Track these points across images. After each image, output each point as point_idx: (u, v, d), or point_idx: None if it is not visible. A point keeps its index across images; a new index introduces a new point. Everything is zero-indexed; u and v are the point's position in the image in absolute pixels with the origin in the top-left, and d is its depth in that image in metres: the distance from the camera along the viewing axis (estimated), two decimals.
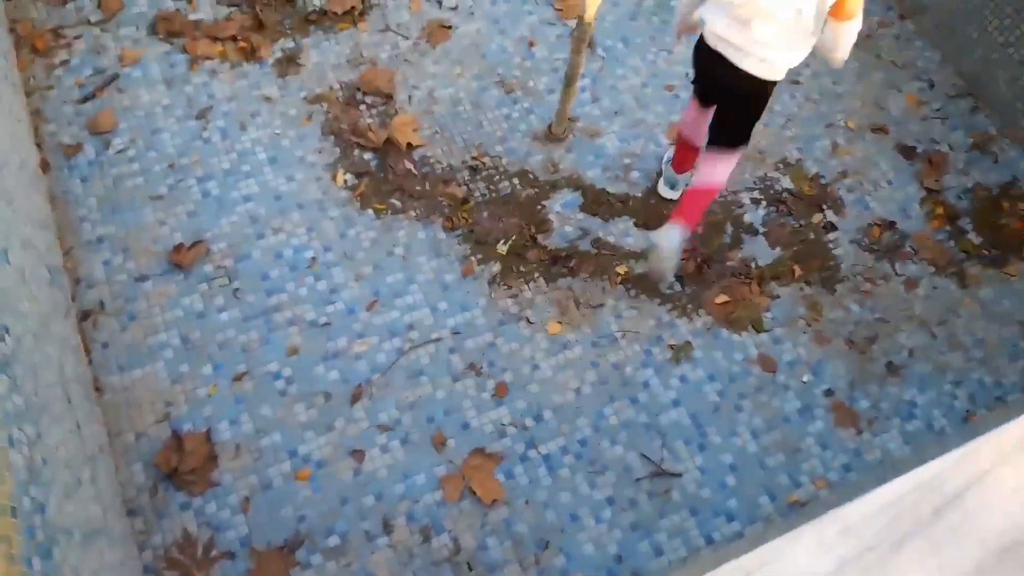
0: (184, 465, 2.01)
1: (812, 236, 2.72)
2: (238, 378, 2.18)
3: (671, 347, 2.43)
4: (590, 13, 2.23)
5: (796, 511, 2.20)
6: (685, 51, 3.05)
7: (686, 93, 2.96)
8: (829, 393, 2.41)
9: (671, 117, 2.90)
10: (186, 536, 1.93)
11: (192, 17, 2.80)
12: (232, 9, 2.85)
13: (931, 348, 2.53)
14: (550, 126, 2.78)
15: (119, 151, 2.50)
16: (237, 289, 2.33)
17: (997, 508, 1.54)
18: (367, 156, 2.65)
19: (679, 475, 2.21)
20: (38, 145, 2.45)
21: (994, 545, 1.49)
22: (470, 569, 2.00)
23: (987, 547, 1.51)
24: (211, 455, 2.04)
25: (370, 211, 2.54)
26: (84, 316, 2.20)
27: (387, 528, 2.04)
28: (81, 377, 2.00)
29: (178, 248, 2.35)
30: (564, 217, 2.63)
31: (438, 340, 2.34)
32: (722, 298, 2.54)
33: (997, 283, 2.68)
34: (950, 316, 2.60)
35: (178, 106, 2.62)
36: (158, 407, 2.11)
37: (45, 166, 2.41)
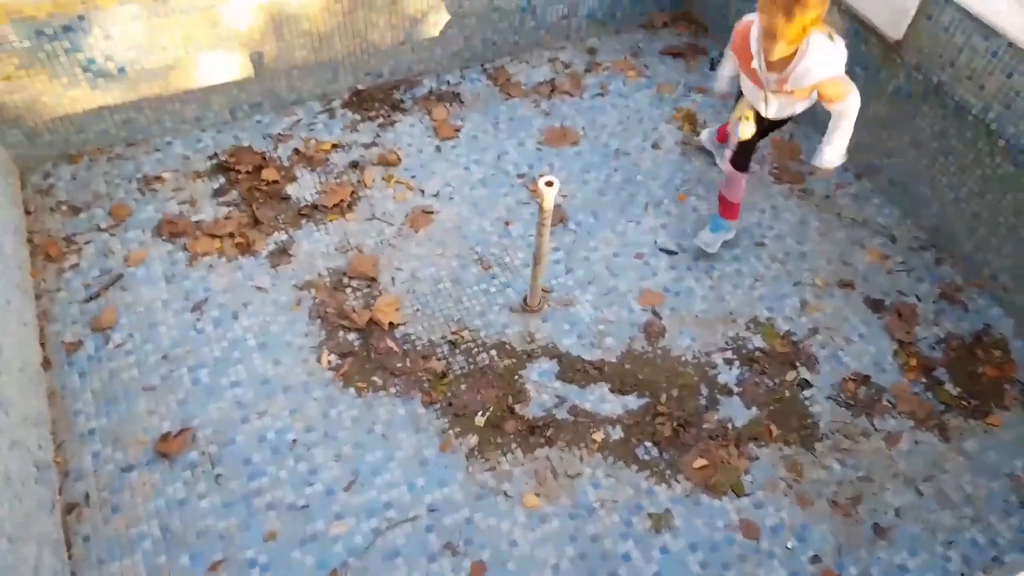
0: None
1: (787, 394, 2.75)
2: (214, 567, 2.20)
3: (650, 516, 2.41)
4: (547, 201, 2.42)
5: None
6: (652, 220, 3.25)
7: (655, 260, 3.12)
8: (816, 560, 2.35)
9: (642, 283, 3.04)
10: None
11: (194, 218, 3.07)
12: (231, 208, 3.13)
13: (919, 507, 2.48)
14: (525, 298, 2.93)
15: (117, 345, 2.67)
16: (219, 475, 2.40)
17: None
18: (351, 337, 2.79)
19: None
20: (42, 344, 2.64)
21: None
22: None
23: None
24: None
25: (352, 390, 2.64)
26: (69, 509, 2.27)
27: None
28: (57, 573, 2.03)
29: (165, 437, 2.45)
30: (541, 386, 2.72)
31: (415, 519, 2.35)
32: (700, 462, 2.55)
33: (980, 434, 2.67)
34: (935, 471, 2.57)
35: (176, 300, 2.82)
36: None
37: (47, 364, 2.58)
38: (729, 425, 2.65)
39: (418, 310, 2.90)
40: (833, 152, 2.62)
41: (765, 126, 2.79)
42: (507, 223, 3.21)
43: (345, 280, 2.96)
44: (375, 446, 2.51)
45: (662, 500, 2.46)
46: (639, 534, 2.38)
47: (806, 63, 2.38)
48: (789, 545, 2.38)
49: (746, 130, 2.76)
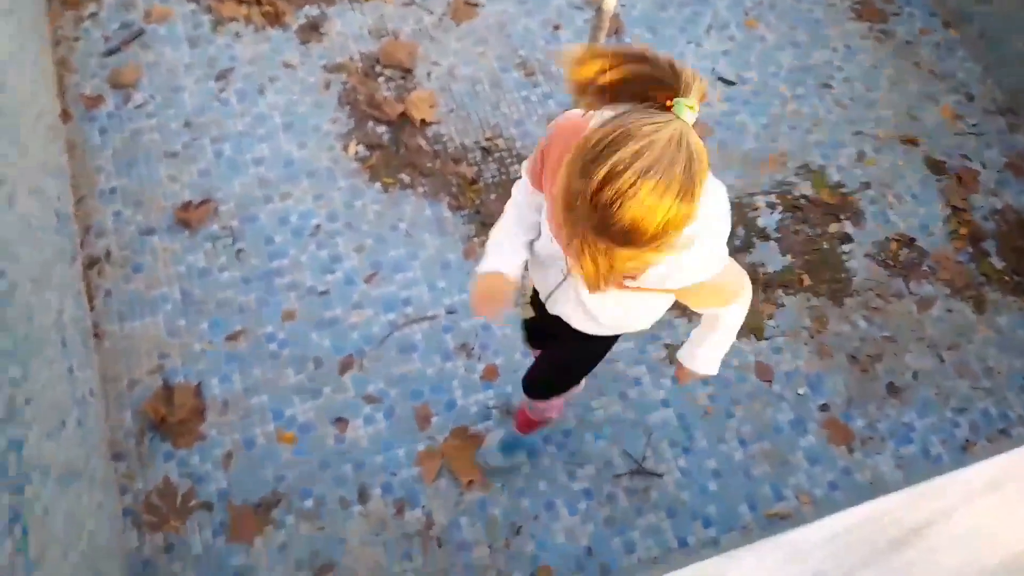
0: (172, 416, 2.06)
1: (826, 246, 2.66)
2: (233, 337, 2.22)
3: (667, 346, 2.40)
4: (609, 2, 2.19)
5: (776, 523, 2.18)
6: (714, 44, 2.99)
7: (710, 88, 2.91)
8: (824, 408, 2.37)
9: None
10: (167, 484, 1.99)
11: None
12: None
13: (937, 372, 2.46)
14: (566, 112, 2.75)
15: (138, 106, 2.54)
16: (240, 250, 2.36)
17: (957, 548, 1.50)
18: (380, 129, 2.65)
19: (660, 475, 2.20)
20: (61, 96, 2.51)
21: None
22: (439, 545, 2.03)
23: None
24: (199, 409, 2.09)
25: (378, 184, 2.55)
26: (91, 264, 2.25)
27: (363, 497, 2.07)
28: (80, 322, 2.05)
29: (186, 206, 2.39)
30: None
31: (433, 318, 2.35)
32: None
33: (1016, 311, 2.60)
34: (961, 341, 2.53)
35: (199, 65, 2.65)
36: (153, 358, 2.16)
37: (66, 116, 2.47)
38: (761, 270, 2.58)
39: (452, 110, 2.73)
40: (709, 358, 1.59)
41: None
42: (556, 27, 2.95)
43: (378, 68, 2.77)
44: (398, 243, 2.45)
45: (680, 333, 2.43)
46: (652, 362, 2.37)
47: (669, 268, 1.17)
48: (800, 391, 2.39)
49: (525, 311, 1.82)
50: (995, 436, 2.37)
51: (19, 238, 1.77)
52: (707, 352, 1.57)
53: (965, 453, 2.34)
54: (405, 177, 2.58)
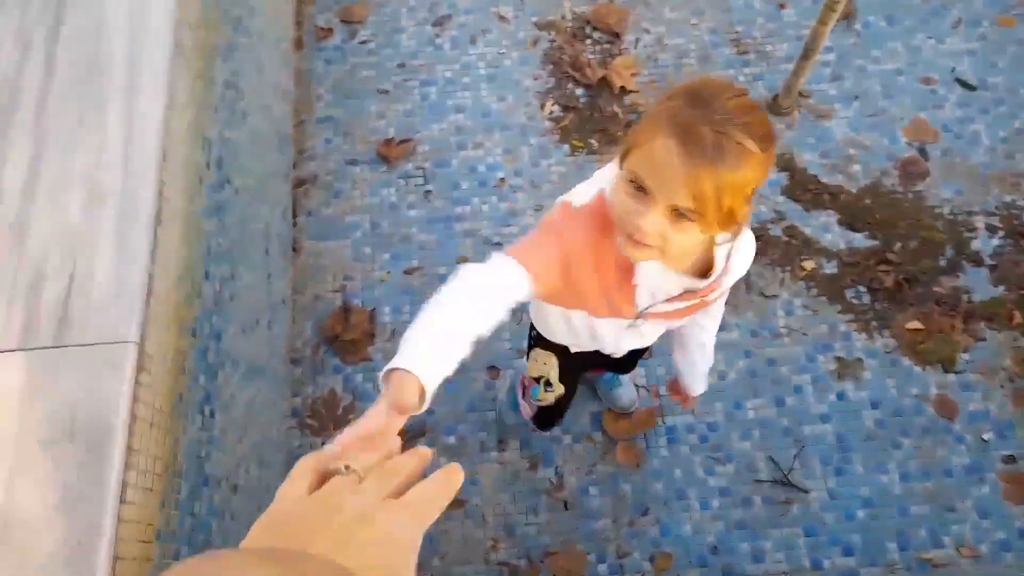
0: (346, 335, 2.24)
1: None
2: (409, 272, 2.36)
3: (838, 359, 2.26)
4: None
5: (926, 570, 2.01)
6: (960, 42, 2.69)
7: (946, 90, 2.62)
8: (1010, 460, 2.13)
9: (919, 114, 2.59)
10: (332, 396, 2.18)
11: None
12: None
13: None
14: (776, 96, 2.60)
15: (362, 42, 2.72)
16: (429, 191, 2.48)
17: None
18: (579, 92, 2.65)
19: (806, 491, 2.09)
20: (299, 23, 2.73)
21: None
22: (566, 508, 2.07)
23: None
24: (370, 332, 2.26)
25: (567, 146, 2.56)
26: (299, 183, 2.47)
27: (501, 445, 2.15)
28: (283, 236, 2.27)
29: (388, 142, 2.54)
30: (762, 196, 2.49)
31: None
32: (914, 324, 2.30)
33: None
34: None
35: (421, 9, 2.77)
36: (338, 278, 2.35)
37: (299, 44, 2.69)
38: (965, 297, 2.33)
39: (654, 81, 2.67)
40: (706, 379, 1.68)
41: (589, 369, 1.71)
42: (781, 5, 2.78)
43: (587, 29, 2.76)
44: None
45: (857, 348, 2.27)
46: (819, 373, 2.24)
47: (744, 254, 1.22)
48: (985, 437, 2.16)
49: (549, 395, 1.68)
50: None
51: (246, 150, 1.97)
52: (705, 373, 1.64)
53: None
54: (594, 142, 2.58)
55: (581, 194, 1.19)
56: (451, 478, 0.59)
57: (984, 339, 2.28)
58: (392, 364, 0.84)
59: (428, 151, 2.54)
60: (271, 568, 0.45)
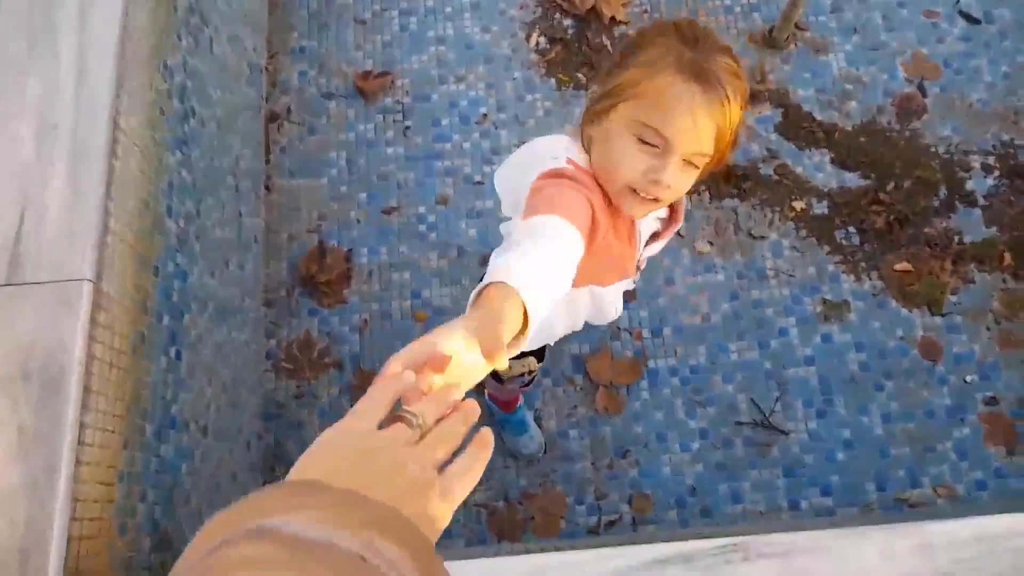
0: (321, 276, 2.19)
1: None
2: (387, 211, 2.30)
3: (824, 301, 2.22)
4: None
5: (901, 510, 2.02)
6: None
7: (949, 24, 2.52)
8: (991, 401, 2.12)
9: (920, 48, 2.49)
10: (308, 338, 2.14)
11: None
12: None
13: None
14: (772, 28, 2.49)
15: None
16: (408, 127, 2.40)
17: None
18: (567, 22, 2.54)
19: (786, 433, 2.08)
20: None
21: None
22: (544, 451, 2.06)
23: None
24: (346, 274, 2.21)
25: (553, 80, 2.47)
26: (272, 118, 2.38)
27: (479, 387, 2.13)
28: (254, 172, 2.19)
29: (366, 75, 2.44)
30: (754, 132, 2.41)
31: None
32: (904, 266, 2.26)
33: None
34: None
35: None
36: (313, 217, 2.28)
37: None
38: (956, 237, 2.28)
39: (646, 11, 2.56)
40: None
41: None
42: None
43: None
44: None
45: (844, 290, 2.23)
46: (805, 315, 2.21)
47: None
48: (968, 378, 2.14)
49: (532, 374, 1.68)
50: None
51: (213, 81, 1.88)
52: None
53: None
54: (582, 76, 2.48)
55: (555, 159, 1.03)
56: (481, 453, 0.60)
57: (973, 281, 2.24)
58: (489, 278, 0.70)
59: (407, 84, 2.44)
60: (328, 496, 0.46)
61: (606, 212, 1.04)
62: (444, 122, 2.41)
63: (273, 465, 2.04)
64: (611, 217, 1.05)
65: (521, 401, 2.00)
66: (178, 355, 1.52)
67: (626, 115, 0.96)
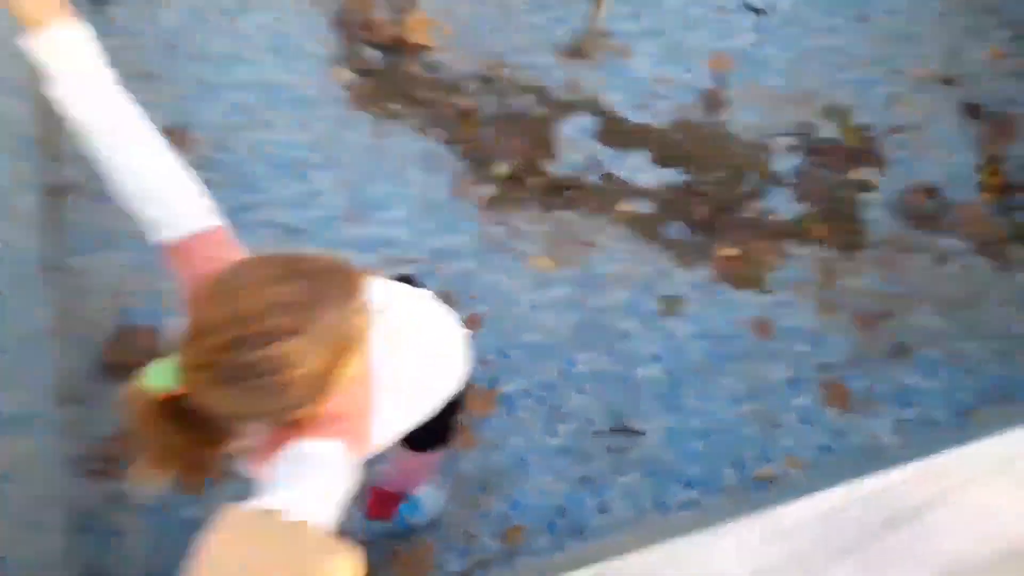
0: (130, 359, 1.99)
1: (844, 194, 2.47)
2: None
3: (663, 298, 2.27)
4: None
5: (762, 487, 2.09)
6: None
7: (738, 18, 2.66)
8: (825, 368, 2.24)
9: (716, 44, 2.62)
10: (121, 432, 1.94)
11: None
12: None
13: (948, 333, 2.31)
14: (577, 40, 2.54)
15: (112, 19, 2.39)
16: (213, 182, 2.24)
17: (960, 530, 1.39)
18: (373, 54, 2.48)
19: (642, 433, 2.11)
20: None
21: (945, 572, 1.36)
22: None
23: (937, 572, 1.37)
24: (158, 352, 2.02)
25: (367, 114, 2.39)
26: (55, 193, 2.16)
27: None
28: (35, 255, 1.97)
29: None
30: (574, 143, 2.44)
31: (415, 261, 2.23)
32: (730, 251, 2.36)
33: None
34: (978, 301, 2.36)
35: None
36: (115, 296, 2.08)
37: None
38: (771, 217, 2.41)
39: (453, 35, 2.54)
40: None
41: None
42: None
43: None
44: (383, 179, 2.32)
45: (679, 284, 2.30)
46: (646, 314, 2.25)
47: None
48: (800, 349, 2.25)
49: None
50: (1001, 403, 2.23)
51: None
52: None
53: (967, 419, 2.21)
54: (396, 107, 2.42)
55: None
56: None
57: (793, 255, 2.37)
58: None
59: (209, 137, 2.29)
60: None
61: None
62: (256, 171, 2.27)
63: None
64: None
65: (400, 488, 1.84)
66: None
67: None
